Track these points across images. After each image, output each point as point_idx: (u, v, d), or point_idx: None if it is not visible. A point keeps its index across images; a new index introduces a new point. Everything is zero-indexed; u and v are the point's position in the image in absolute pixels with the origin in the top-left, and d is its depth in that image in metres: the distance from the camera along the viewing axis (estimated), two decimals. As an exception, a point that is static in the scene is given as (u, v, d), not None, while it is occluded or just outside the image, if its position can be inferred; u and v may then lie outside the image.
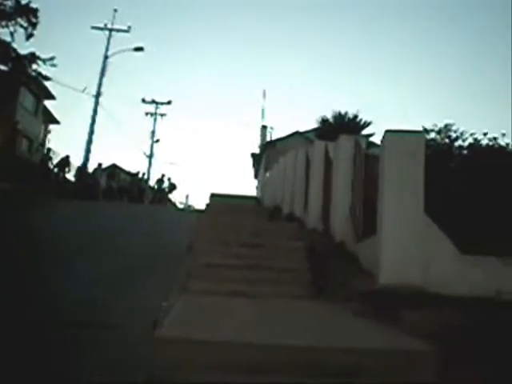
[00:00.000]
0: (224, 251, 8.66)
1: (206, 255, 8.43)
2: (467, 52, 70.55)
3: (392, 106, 74.56)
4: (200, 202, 73.75)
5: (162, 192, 28.00)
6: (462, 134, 18.47)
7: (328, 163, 12.51)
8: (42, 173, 22.67)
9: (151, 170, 39.08)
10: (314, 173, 13.24)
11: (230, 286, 7.38)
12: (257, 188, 35.49)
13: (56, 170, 23.86)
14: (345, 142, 10.76)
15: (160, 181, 28.23)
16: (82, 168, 25.40)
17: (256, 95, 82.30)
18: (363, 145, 10.70)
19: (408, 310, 6.85)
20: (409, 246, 7.35)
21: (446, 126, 19.10)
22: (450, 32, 73.56)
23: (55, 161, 24.43)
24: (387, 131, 7.74)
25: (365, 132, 23.11)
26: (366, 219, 9.48)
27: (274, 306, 6.89)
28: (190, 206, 40.95)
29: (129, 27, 31.73)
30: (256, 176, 37.09)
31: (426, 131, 19.14)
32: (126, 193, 26.41)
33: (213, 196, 22.28)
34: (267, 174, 26.34)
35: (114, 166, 34.94)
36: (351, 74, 77.45)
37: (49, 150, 23.71)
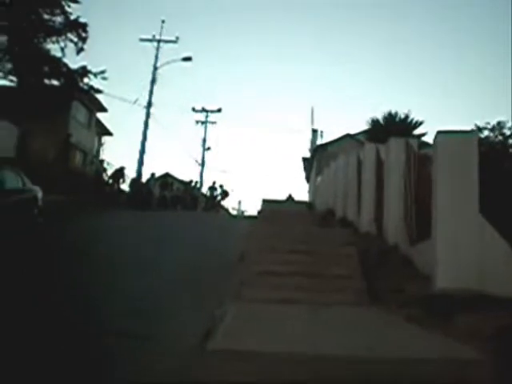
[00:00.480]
0: (275, 258, 8.62)
1: (258, 263, 8.42)
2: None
3: (444, 105, 72.84)
4: (253, 208, 73.96)
5: (214, 199, 28.23)
6: (517, 130, 17.96)
7: (380, 166, 12.34)
8: (97, 184, 23.20)
9: (203, 178, 39.45)
10: (365, 176, 13.09)
11: (282, 293, 7.34)
12: (308, 192, 35.38)
13: (111, 181, 24.38)
14: (395, 145, 10.57)
15: (212, 188, 28.47)
16: (137, 179, 25.82)
17: (305, 100, 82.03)
18: (415, 146, 10.48)
19: (463, 313, 6.68)
20: (465, 249, 7.15)
21: (499, 123, 18.59)
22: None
23: (110, 172, 25.03)
24: (439, 132, 7.55)
25: (416, 132, 22.61)
26: (420, 222, 9.32)
27: (326, 315, 6.80)
28: (242, 212, 41.05)
29: (177, 38, 32.10)
30: (307, 180, 36.95)
31: (479, 129, 18.65)
32: (180, 201, 26.74)
33: (264, 202, 22.28)
34: (319, 178, 26.18)
35: (166, 175, 35.43)
36: (401, 74, 76.17)
37: (102, 161, 24.23)
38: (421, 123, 23.19)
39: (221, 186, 28.20)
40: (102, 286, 7.98)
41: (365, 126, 24.67)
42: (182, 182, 32.67)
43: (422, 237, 8.64)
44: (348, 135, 30.55)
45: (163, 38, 31.80)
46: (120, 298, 7.31)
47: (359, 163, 14.50)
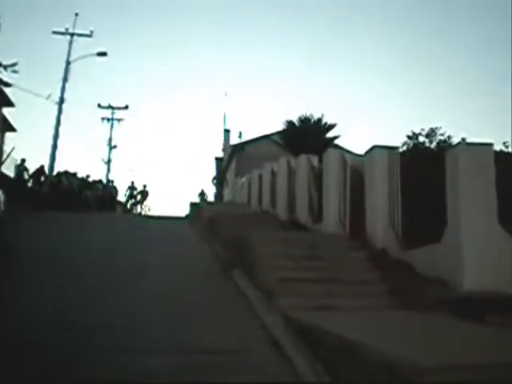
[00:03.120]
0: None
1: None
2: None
3: (358, 108, 75.14)
4: (162, 208, 72.26)
5: (134, 199, 27.53)
6: (449, 137, 19.25)
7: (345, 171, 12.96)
8: (18, 184, 21.93)
9: (108, 176, 38.26)
10: (330, 182, 13.49)
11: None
12: (224, 190, 35.57)
13: (31, 181, 23.13)
14: (379, 155, 11.05)
15: (132, 188, 27.78)
16: (56, 178, 24.65)
17: (218, 99, 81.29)
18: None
19: (496, 313, 7.23)
20: (485, 255, 7.73)
21: (433, 129, 19.83)
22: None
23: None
24: (459, 144, 8.09)
25: (329, 135, 23.45)
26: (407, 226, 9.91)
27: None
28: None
29: (91, 32, 30.97)
30: (219, 180, 37.01)
31: (415, 135, 19.81)
32: (101, 202, 25.87)
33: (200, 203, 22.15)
34: (243, 179, 26.36)
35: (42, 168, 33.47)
36: (316, 76, 77.78)
37: (23, 160, 22.88)
38: (333, 126, 24.00)
39: (144, 186, 27.54)
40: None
41: (280, 127, 25.12)
42: (82, 179, 31.17)
43: (420, 243, 9.20)
44: (265, 136, 30.98)
45: (77, 31, 30.58)
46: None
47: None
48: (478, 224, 7.81)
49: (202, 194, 34.77)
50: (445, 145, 18.56)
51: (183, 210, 40.95)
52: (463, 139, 16.11)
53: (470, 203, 7.89)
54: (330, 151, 14.36)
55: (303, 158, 16.54)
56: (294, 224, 15.73)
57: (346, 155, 13.78)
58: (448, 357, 4.46)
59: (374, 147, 11.26)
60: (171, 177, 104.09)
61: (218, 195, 35.51)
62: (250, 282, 9.01)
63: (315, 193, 15.13)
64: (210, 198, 36.11)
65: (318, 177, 15.19)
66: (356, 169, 13.45)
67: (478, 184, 7.93)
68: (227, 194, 33.36)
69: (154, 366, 5.38)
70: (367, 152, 11.59)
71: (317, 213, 14.61)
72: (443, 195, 8.76)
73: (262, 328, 7.00)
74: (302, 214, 15.61)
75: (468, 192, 7.93)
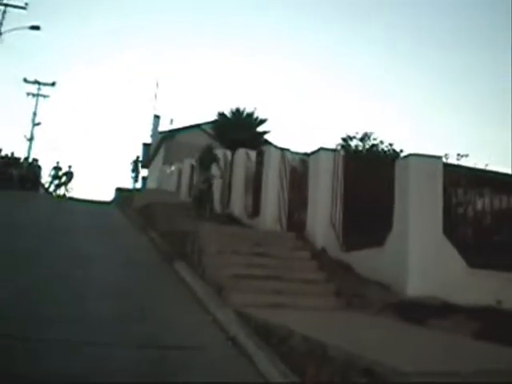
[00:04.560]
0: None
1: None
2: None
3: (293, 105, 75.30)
4: (87, 191, 69.71)
5: (59, 180, 26.54)
6: (381, 142, 20.00)
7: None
8: None
9: (30, 154, 36.74)
10: (270, 178, 13.64)
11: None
12: (149, 176, 35.07)
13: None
14: (324, 156, 11.30)
15: (56, 168, 26.79)
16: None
17: (150, 84, 79.03)
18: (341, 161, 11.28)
19: (436, 318, 7.67)
20: (429, 263, 8.12)
21: (367, 134, 20.53)
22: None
23: None
24: (411, 155, 8.45)
25: (260, 129, 23.82)
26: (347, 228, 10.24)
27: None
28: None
29: (26, 4, 29.92)
30: (146, 165, 36.39)
31: (350, 138, 20.42)
32: (24, 180, 24.80)
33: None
34: (173, 167, 26.15)
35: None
36: (251, 69, 77.33)
37: None
38: (265, 121, 24.33)
39: (69, 167, 26.58)
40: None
41: (212, 118, 25.18)
42: (7, 156, 29.99)
43: (363, 245, 9.53)
44: (197, 125, 30.79)
45: (10, 2, 29.34)
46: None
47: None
48: (424, 232, 8.17)
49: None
50: (376, 149, 19.37)
51: (108, 195, 39.88)
52: (401, 150, 16.79)
53: (418, 211, 8.24)
54: (271, 148, 14.52)
55: (241, 152, 16.65)
56: (228, 217, 15.82)
57: (287, 153, 13.96)
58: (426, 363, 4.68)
59: (320, 149, 11.51)
60: (97, 160, 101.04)
61: (135, 182, 34.65)
62: (197, 277, 9.01)
63: (252, 188, 15.27)
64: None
65: (255, 172, 15.33)
66: (295, 167, 13.73)
67: (426, 194, 8.29)
68: (152, 182, 32.88)
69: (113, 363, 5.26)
70: (313, 152, 11.82)
71: (253, 208, 14.76)
72: (386, 200, 9.09)
73: (214, 323, 7.03)
74: (238, 208, 15.73)
75: (417, 200, 8.28)
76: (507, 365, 4.87)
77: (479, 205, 8.92)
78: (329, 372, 4.87)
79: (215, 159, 15.05)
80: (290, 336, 5.71)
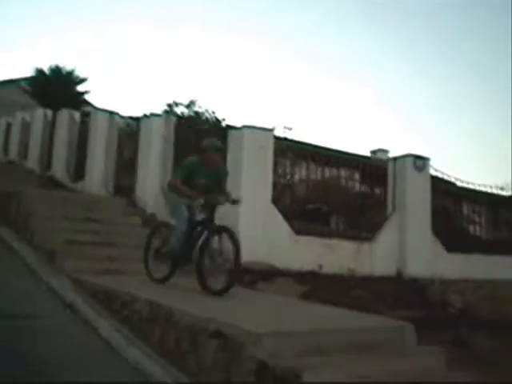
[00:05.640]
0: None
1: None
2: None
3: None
4: None
5: None
6: (206, 110, 20.40)
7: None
8: None
9: None
10: (98, 142, 13.34)
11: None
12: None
13: None
14: (156, 121, 11.34)
15: None
16: None
17: None
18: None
19: (264, 282, 8.28)
20: (258, 230, 8.65)
21: (193, 101, 20.84)
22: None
23: None
24: (245, 126, 8.85)
25: (80, 88, 23.18)
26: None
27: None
28: None
29: None
30: None
31: (176, 104, 20.55)
32: None
33: None
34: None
35: None
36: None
37: None
38: (84, 80, 23.69)
39: None
40: None
41: (29, 74, 23.78)
42: None
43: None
44: (12, 81, 28.53)
45: None
46: None
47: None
48: (255, 200, 8.61)
49: None
50: (198, 116, 19.76)
51: None
52: (223, 119, 17.26)
53: (249, 181, 8.68)
54: (99, 111, 14.17)
55: (64, 112, 16.05)
56: (50, 180, 15.19)
57: (116, 117, 13.72)
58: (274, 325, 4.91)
59: (152, 114, 11.52)
60: None
61: None
62: (24, 242, 8.62)
63: (76, 151, 14.79)
64: None
65: (80, 134, 14.87)
66: (124, 131, 13.58)
67: (258, 164, 8.78)
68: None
69: None
70: (145, 117, 11.78)
71: (77, 171, 14.33)
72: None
73: (49, 291, 6.83)
74: (60, 172, 15.25)
75: (249, 170, 8.72)
76: (346, 323, 5.40)
77: (301, 176, 9.64)
78: (177, 335, 5.04)
79: None
80: (134, 301, 5.78)
